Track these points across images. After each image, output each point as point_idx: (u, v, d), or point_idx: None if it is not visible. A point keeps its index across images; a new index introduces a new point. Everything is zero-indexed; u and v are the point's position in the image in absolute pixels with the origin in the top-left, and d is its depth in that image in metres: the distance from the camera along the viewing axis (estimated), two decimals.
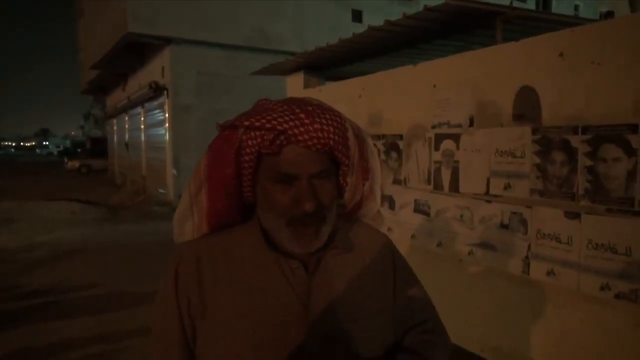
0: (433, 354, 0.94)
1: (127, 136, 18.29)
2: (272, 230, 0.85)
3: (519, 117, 2.70)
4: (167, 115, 12.09)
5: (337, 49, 4.22)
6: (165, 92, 11.97)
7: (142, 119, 15.12)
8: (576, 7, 18.22)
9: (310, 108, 0.82)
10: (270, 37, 12.19)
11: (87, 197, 12.99)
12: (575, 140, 2.41)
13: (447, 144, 3.17)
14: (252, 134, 0.82)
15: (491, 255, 2.89)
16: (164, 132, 12.44)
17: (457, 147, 3.10)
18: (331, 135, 0.82)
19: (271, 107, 0.84)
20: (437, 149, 3.29)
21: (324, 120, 0.82)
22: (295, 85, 5.37)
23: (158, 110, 13.13)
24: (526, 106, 2.66)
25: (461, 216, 3.09)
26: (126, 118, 18.01)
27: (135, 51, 13.27)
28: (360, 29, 3.92)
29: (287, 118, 0.80)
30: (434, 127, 3.30)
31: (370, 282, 0.92)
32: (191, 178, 0.93)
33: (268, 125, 0.79)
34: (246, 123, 0.82)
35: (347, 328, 0.85)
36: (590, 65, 2.33)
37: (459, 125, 3.09)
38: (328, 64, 4.91)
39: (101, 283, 5.46)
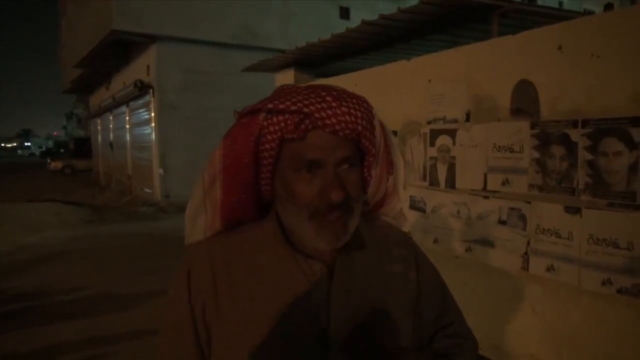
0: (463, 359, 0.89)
1: (111, 136, 18.02)
2: (292, 225, 0.78)
3: (516, 111, 2.67)
4: (153, 114, 11.92)
5: (329, 45, 4.17)
6: (150, 90, 11.79)
7: (127, 118, 14.90)
8: (560, 4, 18.40)
9: (335, 92, 0.76)
10: (257, 34, 12.09)
11: (72, 198, 12.76)
12: (575, 134, 2.38)
13: (443, 140, 3.13)
14: (275, 118, 0.75)
15: (489, 252, 2.86)
16: (150, 131, 12.27)
17: (454, 143, 3.07)
18: (359, 121, 0.76)
19: (295, 91, 0.78)
20: (432, 144, 3.25)
21: (351, 105, 0.76)
22: (285, 83, 5.29)
23: (143, 109, 12.95)
24: (524, 100, 2.63)
25: (458, 212, 3.06)
26: (110, 117, 17.74)
27: (119, 49, 13.05)
28: (348, 26, 3.87)
29: (313, 100, 0.74)
30: (429, 122, 3.26)
31: (394, 284, 0.87)
32: (204, 170, 0.86)
33: (293, 108, 0.73)
34: (269, 106, 0.75)
35: (371, 333, 0.80)
36: (589, 58, 2.30)
37: (455, 121, 3.06)
38: (319, 61, 4.85)
39: (88, 285, 5.33)
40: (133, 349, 3.67)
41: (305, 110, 0.73)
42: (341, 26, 4.31)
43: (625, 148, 2.17)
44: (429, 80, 3.24)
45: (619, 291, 2.21)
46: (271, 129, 0.75)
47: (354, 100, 0.77)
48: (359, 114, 0.76)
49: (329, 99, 0.74)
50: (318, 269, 0.80)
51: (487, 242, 2.87)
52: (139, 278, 5.56)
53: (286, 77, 5.26)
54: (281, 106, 0.74)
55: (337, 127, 0.73)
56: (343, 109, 0.74)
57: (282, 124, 0.74)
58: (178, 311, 0.80)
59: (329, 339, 0.77)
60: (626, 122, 2.16)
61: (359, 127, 0.76)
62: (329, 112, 0.73)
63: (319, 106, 0.73)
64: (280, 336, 0.76)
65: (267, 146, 0.77)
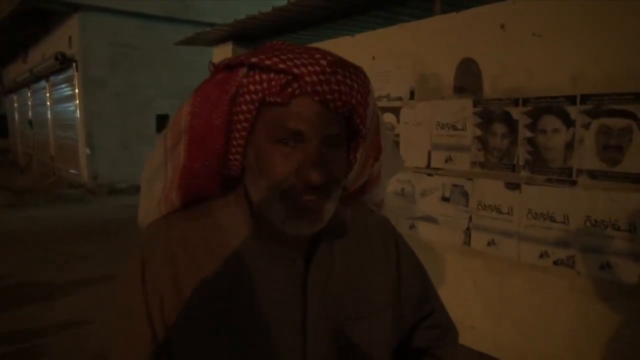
0: (449, 354, 0.84)
1: (30, 113, 16.69)
2: (262, 205, 0.68)
3: (460, 89, 2.70)
4: (77, 90, 11.12)
5: (269, 18, 4.01)
6: (74, 64, 10.96)
7: (48, 94, 13.81)
8: None
9: (331, 57, 0.65)
10: (190, 7, 11.51)
11: None
12: (515, 112, 2.44)
13: (387, 117, 3.11)
14: (257, 76, 0.64)
15: (433, 228, 2.90)
16: (74, 109, 11.44)
17: (398, 121, 3.06)
18: (354, 93, 0.65)
19: (285, 48, 0.66)
20: None
21: (347, 74, 0.65)
22: (223, 58, 5.08)
23: (66, 85, 12.04)
24: (467, 78, 2.65)
25: (402, 190, 3.07)
26: (28, 93, 16.39)
27: (36, 18, 11.98)
28: (285, 3, 3.73)
29: (305, 62, 0.63)
30: None
31: (373, 273, 0.79)
32: (167, 129, 0.74)
33: (281, 66, 0.62)
34: (253, 60, 0.64)
35: (350, 328, 0.72)
36: (531, 38, 2.35)
37: (400, 98, 3.05)
38: (259, 35, 4.68)
39: (9, 274, 4.91)
40: (60, 341, 3.43)
41: (295, 71, 0.62)
42: (279, 3, 4.16)
43: (563, 125, 2.25)
44: (373, 57, 3.20)
45: (555, 263, 2.32)
46: (251, 87, 0.65)
47: (351, 70, 0.67)
48: (355, 85, 0.66)
49: (323, 62, 0.63)
50: (293, 258, 0.71)
51: (430, 219, 2.92)
52: (67, 265, 5.20)
53: (224, 52, 5.04)
54: (267, 62, 0.63)
55: (329, 97, 0.63)
56: (338, 76, 0.64)
57: (265, 84, 0.64)
58: (131, 308, 0.68)
59: (306, 335, 0.69)
60: (564, 101, 2.24)
61: (353, 101, 0.66)
62: (322, 77, 0.63)
63: (312, 69, 0.63)
64: (252, 335, 0.67)
65: (244, 107, 0.66)
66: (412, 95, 2.97)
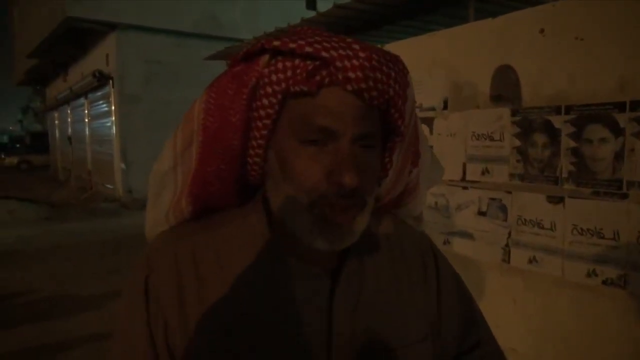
0: None
1: (70, 129, 17.28)
2: (285, 215, 0.59)
3: (496, 98, 2.57)
4: (113, 106, 11.44)
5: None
6: (110, 81, 11.29)
7: (86, 111, 14.28)
8: None
9: (364, 44, 0.56)
10: (221, 23, 11.74)
11: (27, 195, 12.11)
12: (557, 121, 2.29)
13: None
14: (280, 64, 0.55)
15: (469, 244, 2.76)
16: (111, 124, 11.77)
17: (431, 132, 2.95)
18: (391, 82, 0.56)
19: (312, 32, 0.58)
20: None
21: (383, 60, 0.56)
22: None
23: (103, 101, 12.41)
24: (504, 86, 2.52)
25: (436, 204, 2.94)
26: (68, 110, 16.99)
27: (76, 38, 12.43)
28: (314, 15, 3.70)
29: (335, 45, 0.54)
30: None
31: (410, 297, 0.68)
32: (177, 129, 0.65)
33: (308, 49, 0.53)
34: (276, 43, 0.55)
35: None
36: (573, 42, 2.21)
37: (432, 109, 2.94)
38: None
39: (42, 288, 5.00)
40: (87, 354, 3.42)
41: (324, 54, 0.53)
42: (308, 16, 4.14)
43: (611, 134, 2.09)
44: None
45: (604, 282, 2.14)
46: (273, 77, 0.56)
47: (387, 57, 0.57)
48: (392, 73, 0.56)
49: (355, 46, 0.54)
50: (317, 275, 0.61)
51: (466, 234, 2.77)
52: (99, 278, 5.25)
53: None
54: (292, 45, 0.54)
55: (363, 85, 0.54)
56: (373, 62, 0.54)
57: (290, 72, 0.55)
58: (132, 330, 0.60)
59: None
60: (612, 108, 2.08)
61: (391, 91, 0.56)
62: (355, 62, 0.53)
63: (343, 52, 0.53)
64: None
65: (265, 101, 0.57)
66: (445, 105, 2.86)
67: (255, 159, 0.61)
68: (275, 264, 0.61)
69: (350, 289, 0.63)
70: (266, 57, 0.57)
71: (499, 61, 2.53)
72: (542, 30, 2.33)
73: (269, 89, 0.56)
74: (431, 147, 2.92)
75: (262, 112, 0.58)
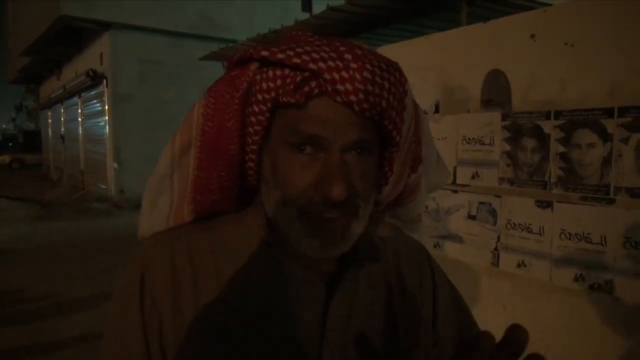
0: None
1: (63, 128, 17.20)
2: (278, 221, 0.59)
3: (487, 102, 2.58)
4: (106, 105, 11.39)
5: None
6: (104, 80, 11.25)
7: (79, 110, 14.21)
8: None
9: (360, 51, 0.55)
10: (217, 24, 11.72)
11: (19, 194, 12.04)
12: (547, 126, 2.31)
13: None
14: (271, 72, 0.54)
15: (458, 248, 2.77)
16: (104, 124, 11.72)
17: None
18: (384, 94, 0.55)
19: (304, 39, 0.57)
20: None
21: (377, 70, 0.54)
22: None
23: (96, 100, 12.36)
24: (495, 91, 2.54)
25: (426, 208, 2.95)
26: (62, 109, 16.91)
27: (70, 36, 12.37)
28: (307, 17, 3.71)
29: (325, 55, 0.53)
30: None
31: (405, 307, 0.68)
32: (176, 134, 0.64)
33: (296, 61, 0.52)
34: (264, 53, 0.54)
35: None
36: (563, 47, 2.23)
37: (424, 112, 2.94)
38: None
39: (33, 287, 4.96)
40: (78, 354, 3.40)
41: (312, 66, 0.52)
42: (303, 18, 4.14)
43: (599, 140, 2.11)
44: None
45: (591, 287, 2.15)
46: (264, 85, 0.55)
47: (383, 65, 0.55)
48: (386, 84, 0.55)
49: (347, 56, 0.53)
50: (313, 281, 0.61)
51: (456, 238, 2.78)
52: (90, 278, 5.23)
53: None
54: (280, 55, 0.53)
55: (353, 98, 0.53)
56: (365, 73, 0.53)
57: (279, 82, 0.54)
58: (125, 326, 0.59)
59: None
60: (600, 113, 2.10)
61: (384, 103, 0.55)
62: (345, 74, 0.52)
63: (332, 64, 0.52)
64: None
65: (256, 108, 0.57)
66: (437, 108, 2.87)
67: (249, 164, 0.62)
68: (271, 267, 0.61)
69: (346, 296, 0.62)
70: (256, 64, 0.57)
71: (490, 65, 2.54)
72: (532, 36, 2.35)
73: (260, 97, 0.57)
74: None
75: (253, 119, 0.58)
